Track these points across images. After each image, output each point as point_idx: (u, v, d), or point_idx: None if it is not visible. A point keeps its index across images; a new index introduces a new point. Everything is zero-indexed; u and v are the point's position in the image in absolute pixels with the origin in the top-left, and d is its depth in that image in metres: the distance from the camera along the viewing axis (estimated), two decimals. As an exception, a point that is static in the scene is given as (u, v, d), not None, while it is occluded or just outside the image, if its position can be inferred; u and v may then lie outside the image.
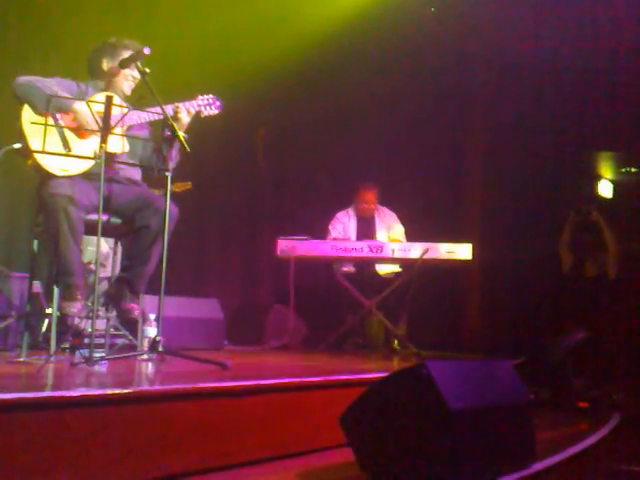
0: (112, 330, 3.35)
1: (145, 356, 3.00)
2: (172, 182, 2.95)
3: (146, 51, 3.14)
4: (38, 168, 2.97)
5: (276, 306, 5.25)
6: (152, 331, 3.23)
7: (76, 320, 2.98)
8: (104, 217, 2.99)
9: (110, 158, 3.04)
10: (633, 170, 6.06)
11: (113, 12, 4.59)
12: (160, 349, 2.82)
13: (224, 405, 2.17)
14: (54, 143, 2.98)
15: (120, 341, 3.47)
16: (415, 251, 4.76)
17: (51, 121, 2.98)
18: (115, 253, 3.39)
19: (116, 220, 3.17)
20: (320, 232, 5.26)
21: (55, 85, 3.09)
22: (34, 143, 2.91)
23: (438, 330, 5.25)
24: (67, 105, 3.00)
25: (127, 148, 3.17)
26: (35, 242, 3.11)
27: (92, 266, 3.53)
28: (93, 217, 2.96)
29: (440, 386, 1.93)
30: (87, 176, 3.04)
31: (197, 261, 5.32)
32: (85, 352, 2.76)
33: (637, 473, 2.43)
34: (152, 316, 3.29)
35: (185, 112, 3.17)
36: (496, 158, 5.70)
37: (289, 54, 5.35)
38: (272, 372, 3.35)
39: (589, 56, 5.18)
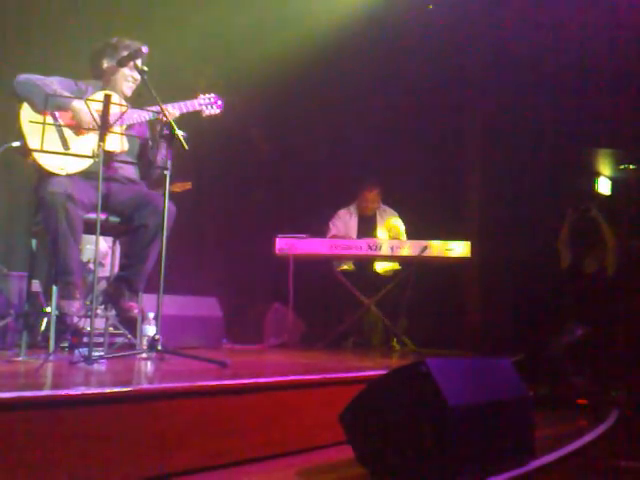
0: (111, 329, 3.35)
1: (144, 355, 3.00)
2: (171, 182, 2.95)
3: (144, 49, 3.14)
4: (37, 166, 2.97)
5: (275, 304, 5.25)
6: (151, 330, 3.23)
7: (75, 319, 2.98)
8: (103, 216, 2.99)
9: (109, 157, 3.04)
10: (632, 167, 6.06)
11: (114, 11, 4.59)
12: (159, 348, 2.82)
13: (223, 403, 2.17)
14: (53, 141, 2.98)
15: (119, 340, 3.47)
16: (414, 249, 4.76)
17: (50, 119, 2.98)
18: (113, 252, 3.39)
19: (115, 219, 3.17)
20: (319, 230, 5.27)
21: (55, 84, 3.09)
22: (33, 141, 2.91)
23: (437, 328, 5.25)
24: (66, 103, 3.00)
25: (126, 147, 3.17)
26: (34, 241, 3.11)
27: (91, 265, 3.53)
28: (92, 216, 2.96)
29: (439, 383, 1.93)
30: (86, 175, 3.04)
31: (196, 259, 5.31)
32: (84, 351, 2.75)
33: (636, 470, 2.43)
34: (151, 315, 3.29)
35: (178, 112, 3.16)
36: (494, 155, 5.70)
37: (288, 52, 5.35)
38: (271, 370, 3.35)
39: (588, 53, 5.18)
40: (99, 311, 3.16)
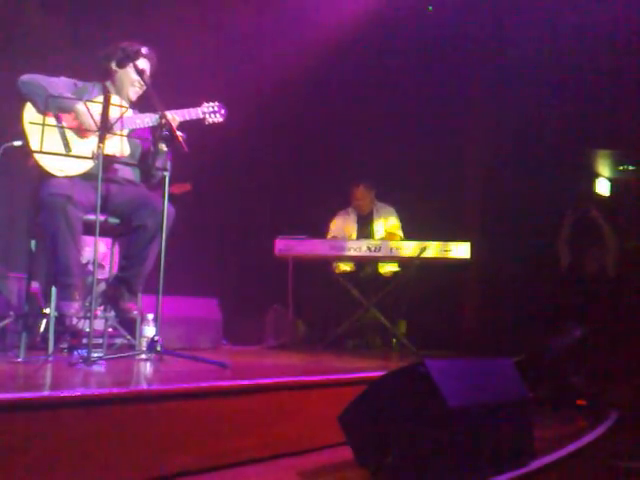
0: (110, 330, 3.34)
1: (143, 356, 3.00)
2: (170, 183, 2.95)
3: (144, 51, 3.14)
4: (37, 167, 2.97)
5: (274, 305, 5.24)
6: (150, 331, 3.23)
7: (74, 320, 2.98)
8: (102, 217, 2.99)
9: (109, 160, 3.04)
10: (630, 168, 6.07)
11: (119, 13, 4.61)
12: (158, 349, 2.82)
13: (223, 404, 2.17)
14: (55, 143, 2.99)
15: (118, 341, 3.47)
16: (413, 250, 4.76)
17: (52, 121, 2.98)
18: (112, 253, 3.38)
19: (114, 220, 3.17)
20: (319, 231, 5.27)
21: (60, 84, 3.08)
22: (35, 142, 2.91)
23: (436, 329, 5.25)
24: (69, 105, 3.00)
25: (127, 152, 3.17)
26: (33, 242, 3.11)
27: (90, 266, 3.52)
28: (91, 217, 2.95)
29: (439, 384, 1.93)
30: (85, 176, 3.04)
31: (195, 261, 5.31)
32: (83, 352, 2.75)
33: (636, 470, 2.43)
34: (150, 316, 3.29)
35: (180, 118, 3.17)
36: (494, 157, 5.70)
37: (287, 56, 5.37)
38: (271, 371, 3.35)
39: (588, 54, 5.19)
40: (98, 312, 3.16)
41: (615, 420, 3.26)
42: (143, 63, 3.21)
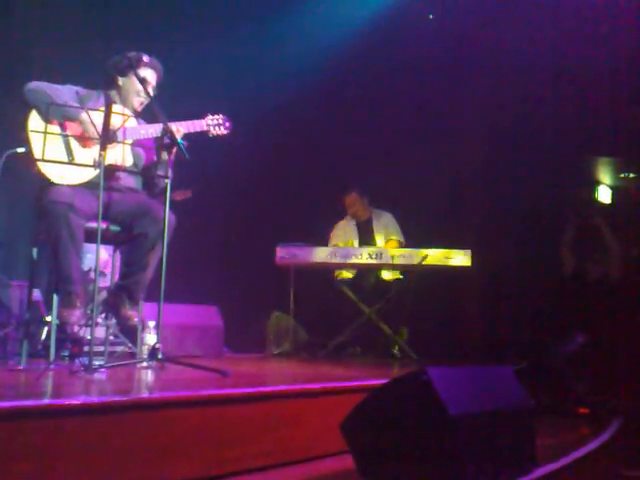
0: (111, 338, 3.34)
1: (145, 364, 3.00)
2: (172, 190, 2.95)
3: (145, 59, 3.16)
4: (40, 175, 2.97)
5: (276, 313, 5.24)
6: (151, 338, 3.23)
7: (75, 328, 2.98)
8: (103, 225, 2.99)
9: (110, 169, 3.05)
10: (632, 175, 6.06)
11: (123, 21, 4.64)
12: (160, 356, 2.82)
13: (224, 412, 2.16)
14: (58, 151, 2.99)
15: (119, 349, 3.47)
16: (414, 257, 4.76)
17: (56, 129, 2.99)
18: (114, 261, 3.39)
19: (115, 228, 3.17)
20: (320, 239, 5.28)
21: (65, 93, 3.09)
22: (38, 150, 2.92)
23: (437, 336, 5.24)
24: (74, 113, 3.00)
25: (130, 162, 3.18)
26: (35, 250, 3.11)
27: (92, 274, 3.53)
28: (93, 225, 2.96)
29: (440, 392, 1.93)
30: (88, 184, 3.04)
31: (197, 268, 5.31)
32: (84, 360, 2.75)
33: (638, 478, 2.42)
34: (151, 323, 3.29)
35: (184, 129, 3.18)
36: (495, 164, 5.70)
37: (287, 67, 5.42)
38: (272, 379, 3.34)
39: (588, 61, 5.20)
40: (99, 320, 3.16)
41: (618, 428, 3.25)
42: (147, 72, 3.23)
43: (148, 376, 2.85)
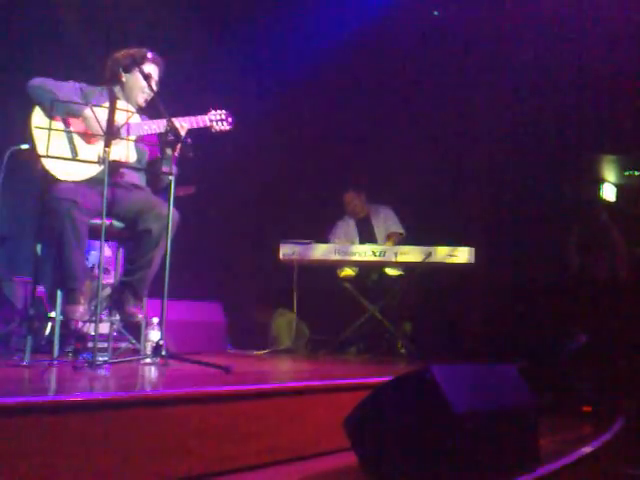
0: (115, 334, 3.35)
1: (148, 360, 3.00)
2: (175, 187, 2.95)
3: (149, 55, 3.15)
4: (44, 172, 2.97)
5: (279, 310, 5.24)
6: (155, 335, 3.23)
7: (79, 324, 2.98)
8: (107, 221, 2.99)
9: (115, 166, 3.05)
10: (636, 173, 6.05)
11: (125, 17, 4.64)
12: (163, 353, 2.82)
13: (227, 409, 2.16)
14: (62, 147, 2.99)
15: (123, 345, 3.47)
16: (418, 255, 4.75)
17: (60, 125, 2.99)
18: (118, 257, 3.39)
19: (119, 224, 3.17)
20: (323, 236, 5.28)
21: (69, 89, 3.09)
22: (42, 146, 2.92)
23: (441, 334, 5.24)
24: (78, 110, 3.00)
25: (134, 158, 3.18)
26: (39, 246, 3.11)
27: (96, 270, 3.53)
28: (97, 221, 2.96)
29: (444, 390, 1.92)
30: (91, 181, 3.04)
31: (200, 265, 5.31)
32: (88, 356, 2.76)
33: (641, 478, 2.42)
34: (155, 320, 3.30)
35: (188, 125, 3.17)
36: (498, 161, 5.69)
37: (289, 64, 5.42)
38: (275, 376, 3.35)
39: (592, 59, 5.18)
40: (103, 316, 3.16)
41: (621, 427, 3.24)
42: (150, 68, 3.23)
43: (151, 372, 2.86)
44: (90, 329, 3.02)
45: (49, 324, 3.46)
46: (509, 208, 5.54)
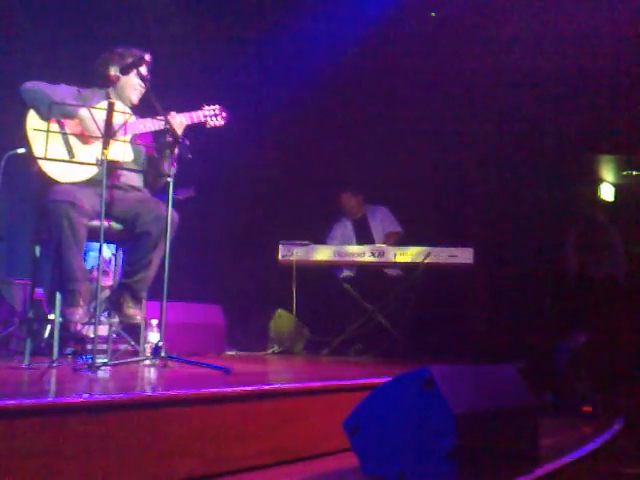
0: (114, 336, 3.35)
1: (147, 362, 3.00)
2: (174, 189, 2.95)
3: (147, 57, 3.15)
4: (41, 174, 2.97)
5: (278, 311, 5.24)
6: (154, 337, 3.23)
7: (79, 326, 2.98)
8: (106, 223, 2.99)
9: (112, 166, 3.05)
10: (635, 173, 6.06)
11: (120, 18, 4.64)
12: (162, 355, 2.82)
13: (227, 410, 2.16)
14: (58, 149, 2.99)
15: (122, 347, 3.47)
16: (417, 255, 4.75)
17: (55, 127, 2.99)
18: (117, 259, 3.39)
19: (118, 226, 3.17)
20: (322, 237, 5.28)
21: (63, 91, 3.09)
22: (38, 149, 2.92)
23: (440, 334, 5.24)
24: (73, 111, 3.00)
25: (131, 157, 3.18)
26: (37, 248, 3.11)
27: (95, 272, 3.53)
28: (95, 223, 2.96)
29: (443, 390, 1.93)
30: (89, 182, 3.04)
31: (199, 266, 5.32)
32: (88, 358, 2.75)
33: (639, 477, 2.42)
34: (154, 322, 3.29)
35: (186, 121, 3.17)
36: (498, 162, 5.70)
37: (288, 66, 5.43)
38: (275, 377, 3.35)
39: (591, 59, 5.19)
40: (102, 318, 3.16)
41: (620, 426, 3.24)
42: (143, 68, 3.23)
43: (151, 374, 2.86)
44: (89, 331, 3.02)
45: (48, 326, 3.45)
46: (508, 208, 5.55)
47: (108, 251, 3.81)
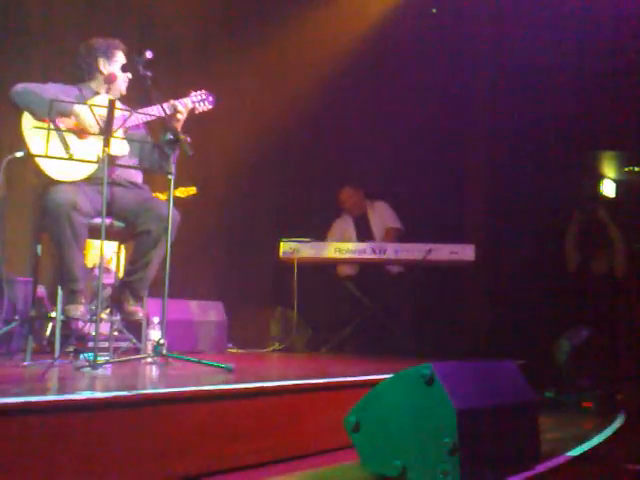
0: (116, 334, 3.35)
1: (149, 359, 3.01)
2: (175, 187, 2.95)
3: (148, 55, 3.14)
4: (40, 174, 2.97)
5: (279, 308, 5.25)
6: (156, 334, 3.23)
7: (80, 324, 2.98)
8: (107, 221, 2.99)
9: (112, 160, 3.04)
10: (636, 169, 6.05)
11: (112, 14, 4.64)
12: (164, 352, 2.82)
13: (228, 408, 2.17)
14: (55, 148, 2.98)
15: (124, 344, 3.47)
16: (418, 252, 4.75)
17: (51, 126, 2.98)
18: (118, 257, 3.39)
19: (119, 224, 3.17)
20: (323, 234, 5.28)
21: (53, 89, 3.08)
22: (35, 149, 2.91)
23: (442, 331, 5.24)
24: (68, 108, 3.00)
25: (127, 150, 3.17)
26: (39, 246, 3.11)
27: (96, 270, 3.53)
28: (97, 221, 2.96)
29: (445, 387, 1.93)
30: (89, 180, 3.04)
31: (200, 264, 5.32)
32: (89, 356, 2.76)
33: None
34: (156, 319, 3.30)
35: (184, 109, 3.16)
36: (499, 158, 5.69)
37: (290, 63, 5.42)
38: (276, 375, 3.35)
39: (592, 55, 5.18)
40: (104, 316, 3.16)
41: (623, 422, 3.25)
42: (120, 56, 3.22)
43: (152, 372, 2.86)
44: (91, 329, 3.02)
45: (50, 324, 3.46)
46: (509, 205, 5.54)
47: (110, 249, 3.81)
